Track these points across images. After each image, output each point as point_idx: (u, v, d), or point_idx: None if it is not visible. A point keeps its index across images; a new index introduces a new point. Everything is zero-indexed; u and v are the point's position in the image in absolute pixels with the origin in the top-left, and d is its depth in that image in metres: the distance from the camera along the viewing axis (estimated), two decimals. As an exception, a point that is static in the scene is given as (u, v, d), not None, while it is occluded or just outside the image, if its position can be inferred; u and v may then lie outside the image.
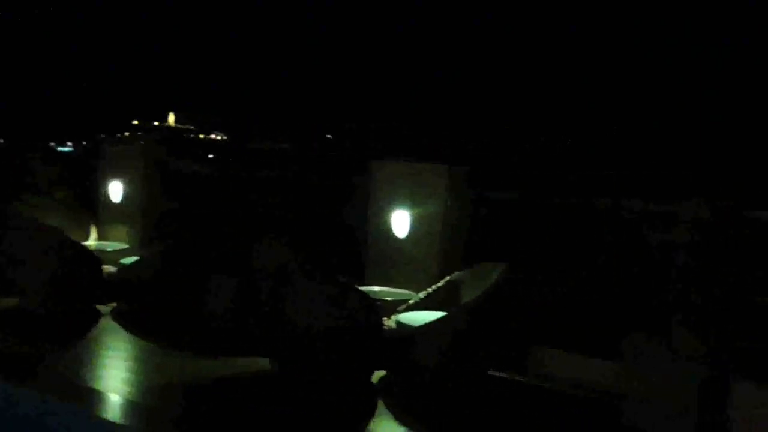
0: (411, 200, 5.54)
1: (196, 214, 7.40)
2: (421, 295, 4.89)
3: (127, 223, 7.19)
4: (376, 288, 5.37)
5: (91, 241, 7.05)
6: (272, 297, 4.43)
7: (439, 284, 4.89)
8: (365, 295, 4.52)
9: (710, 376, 3.46)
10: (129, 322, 5.53)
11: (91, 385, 4.26)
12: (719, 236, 4.40)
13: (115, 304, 5.85)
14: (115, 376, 4.44)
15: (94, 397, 4.10)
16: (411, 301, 4.89)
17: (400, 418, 3.98)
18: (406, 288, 5.35)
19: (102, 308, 5.78)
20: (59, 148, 16.17)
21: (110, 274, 6.06)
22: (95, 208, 7.35)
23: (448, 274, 4.93)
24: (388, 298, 5.11)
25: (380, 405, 4.16)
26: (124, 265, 6.05)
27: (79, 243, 6.05)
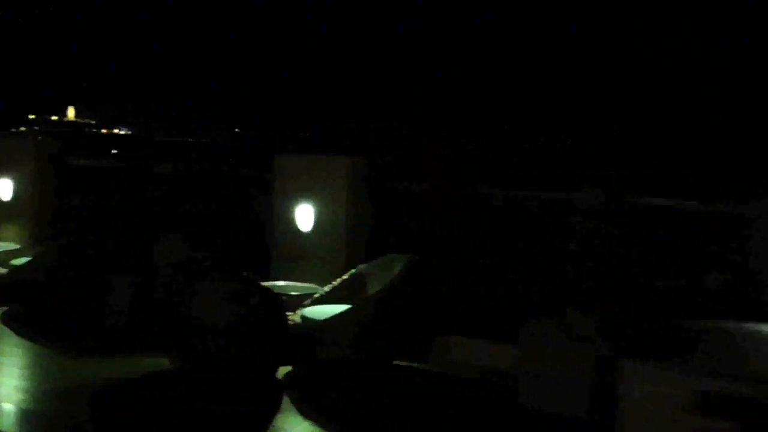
0: (314, 194, 5.53)
1: (95, 211, 7.16)
2: (327, 288, 4.89)
3: (19, 222, 6.86)
4: (281, 283, 5.33)
5: (-21, 242, 6.71)
6: (173, 294, 4.34)
7: (344, 277, 4.90)
8: (268, 291, 4.49)
9: (602, 356, 3.62)
10: (22, 325, 5.28)
11: (-20, 393, 4.06)
12: (610, 222, 4.60)
13: (6, 308, 5.58)
14: (7, 383, 4.23)
15: (-17, 407, 3.91)
16: (316, 295, 4.88)
17: (306, 413, 3.98)
18: (311, 282, 5.34)
19: (-8, 312, 5.51)
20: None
21: (1, 276, 5.79)
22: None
23: (353, 267, 4.95)
24: (294, 293, 5.08)
25: (285, 400, 4.14)
26: (15, 266, 5.78)
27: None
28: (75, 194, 7.32)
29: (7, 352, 4.80)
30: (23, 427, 3.76)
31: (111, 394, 4.12)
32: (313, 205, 5.52)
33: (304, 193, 5.55)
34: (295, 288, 5.23)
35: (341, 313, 4.41)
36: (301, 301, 4.89)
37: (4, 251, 6.41)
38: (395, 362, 4.59)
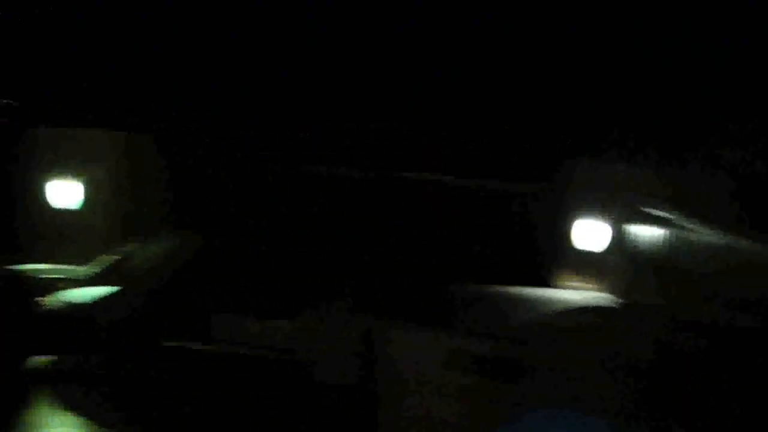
0: (77, 168, 5.09)
1: None
2: (91, 270, 4.55)
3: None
4: (35, 266, 4.86)
5: None
6: None
7: (112, 258, 4.60)
8: (8, 275, 4.07)
9: (369, 327, 3.72)
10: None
11: None
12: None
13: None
14: None
15: None
16: (80, 278, 4.53)
17: (61, 405, 3.67)
18: (75, 263, 4.92)
19: None
20: None
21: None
22: None
23: (123, 247, 4.66)
24: (51, 276, 4.66)
25: (36, 392, 3.78)
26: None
27: None
28: None
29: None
30: None
31: None
32: (76, 181, 5.09)
33: (64, 168, 5.09)
34: (53, 270, 4.79)
35: (109, 296, 4.14)
36: (59, 284, 4.50)
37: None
38: (166, 343, 4.37)
